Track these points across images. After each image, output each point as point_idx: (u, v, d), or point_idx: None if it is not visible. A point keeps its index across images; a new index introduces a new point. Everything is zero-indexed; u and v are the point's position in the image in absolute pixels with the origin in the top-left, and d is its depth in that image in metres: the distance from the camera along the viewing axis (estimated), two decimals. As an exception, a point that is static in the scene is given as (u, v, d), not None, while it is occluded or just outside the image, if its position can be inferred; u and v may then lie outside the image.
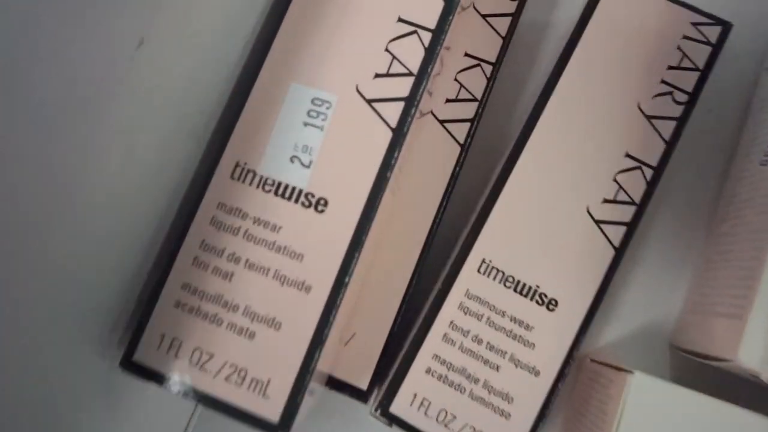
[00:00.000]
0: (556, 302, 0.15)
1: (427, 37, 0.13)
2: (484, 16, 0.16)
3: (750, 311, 0.13)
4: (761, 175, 0.15)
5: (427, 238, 0.15)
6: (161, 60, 0.11)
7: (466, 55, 0.16)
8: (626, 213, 0.15)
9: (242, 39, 0.13)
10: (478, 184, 0.17)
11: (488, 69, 0.16)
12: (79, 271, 0.11)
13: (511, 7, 0.16)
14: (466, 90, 0.16)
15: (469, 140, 0.16)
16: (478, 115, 0.16)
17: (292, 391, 0.12)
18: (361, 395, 0.15)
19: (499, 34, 0.16)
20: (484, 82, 0.16)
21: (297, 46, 0.13)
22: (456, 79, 0.16)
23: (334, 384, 0.15)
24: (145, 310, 0.12)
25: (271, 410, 0.12)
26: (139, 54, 0.11)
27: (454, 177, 0.16)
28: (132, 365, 0.12)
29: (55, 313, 0.11)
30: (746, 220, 0.15)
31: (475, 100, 0.16)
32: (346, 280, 0.12)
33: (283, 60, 0.13)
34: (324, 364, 0.13)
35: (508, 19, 0.16)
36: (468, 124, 0.16)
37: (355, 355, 0.15)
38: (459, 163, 0.16)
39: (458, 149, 0.16)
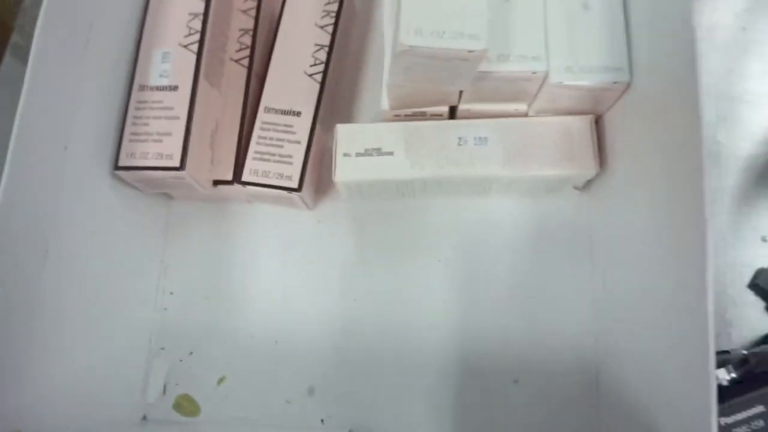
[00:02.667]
0: (299, 113, 0.33)
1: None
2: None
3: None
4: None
5: (243, 111, 0.34)
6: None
7: (241, 29, 0.35)
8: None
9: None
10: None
11: (250, 36, 0.35)
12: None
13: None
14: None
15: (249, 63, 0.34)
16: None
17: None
18: (228, 182, 0.32)
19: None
20: (250, 40, 0.35)
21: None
22: (239, 40, 0.35)
23: (216, 182, 0.32)
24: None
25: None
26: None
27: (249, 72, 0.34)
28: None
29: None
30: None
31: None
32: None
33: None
34: (203, 176, 0.31)
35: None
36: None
37: (222, 166, 0.33)
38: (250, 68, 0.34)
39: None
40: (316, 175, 0.34)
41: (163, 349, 0.33)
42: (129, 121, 0.30)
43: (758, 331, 0.32)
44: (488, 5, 0.25)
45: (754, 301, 0.33)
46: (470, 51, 0.25)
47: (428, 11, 0.25)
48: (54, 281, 0.26)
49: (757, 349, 0.28)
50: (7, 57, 0.42)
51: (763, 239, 0.34)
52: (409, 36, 0.24)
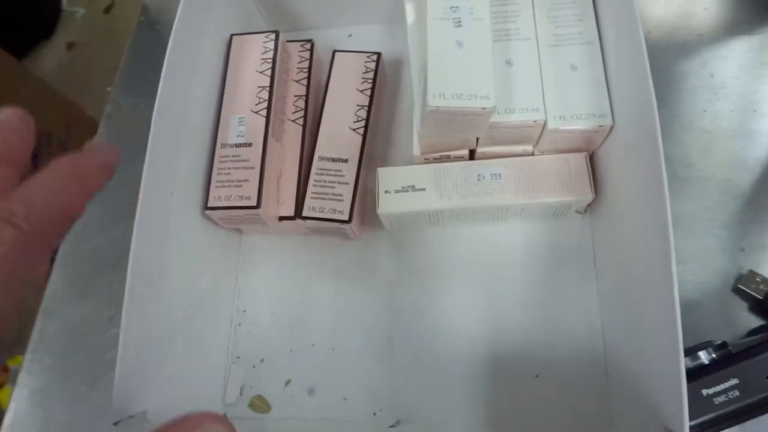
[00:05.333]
0: (346, 160, 0.41)
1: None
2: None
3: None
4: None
5: (300, 160, 0.41)
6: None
7: (296, 95, 0.43)
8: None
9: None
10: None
11: (304, 101, 0.43)
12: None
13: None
14: (299, 107, 0.43)
15: (304, 122, 0.42)
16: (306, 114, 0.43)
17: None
18: (290, 217, 0.40)
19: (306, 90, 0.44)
20: (303, 103, 0.43)
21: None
22: (294, 104, 0.43)
23: (281, 218, 0.40)
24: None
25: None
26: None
27: (304, 129, 0.42)
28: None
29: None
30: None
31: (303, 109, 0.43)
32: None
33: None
34: (271, 213, 0.39)
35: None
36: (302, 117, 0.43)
37: (285, 205, 0.40)
38: (304, 126, 0.42)
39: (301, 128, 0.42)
40: (361, 209, 0.42)
41: (238, 357, 0.40)
42: (215, 171, 0.38)
43: (744, 327, 0.38)
44: (494, 70, 0.33)
45: (740, 301, 0.38)
46: (483, 108, 0.32)
47: (448, 79, 0.33)
48: (164, 299, 0.34)
49: (739, 341, 0.34)
50: (102, 127, 0.51)
51: (742, 249, 0.39)
52: (435, 99, 0.32)
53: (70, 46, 1.47)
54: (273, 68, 0.40)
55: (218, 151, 0.39)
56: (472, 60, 0.33)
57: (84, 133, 1.33)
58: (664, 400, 0.28)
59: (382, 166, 0.40)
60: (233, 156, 0.38)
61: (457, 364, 0.38)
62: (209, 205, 0.37)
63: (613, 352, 0.36)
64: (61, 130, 1.24)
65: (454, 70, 0.33)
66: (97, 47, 1.45)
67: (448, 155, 0.40)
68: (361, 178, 0.40)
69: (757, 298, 0.37)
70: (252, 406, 0.39)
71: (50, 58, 1.47)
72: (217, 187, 0.38)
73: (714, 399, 0.29)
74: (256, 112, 0.39)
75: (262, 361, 0.40)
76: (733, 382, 0.29)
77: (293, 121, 0.42)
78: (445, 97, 0.32)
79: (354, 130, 0.41)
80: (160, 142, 0.33)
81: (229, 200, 0.37)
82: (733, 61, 0.45)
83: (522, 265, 0.40)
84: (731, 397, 0.29)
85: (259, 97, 0.39)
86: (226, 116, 0.39)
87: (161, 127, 0.33)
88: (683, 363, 0.25)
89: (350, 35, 0.49)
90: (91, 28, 1.48)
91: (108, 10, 1.49)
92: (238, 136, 0.39)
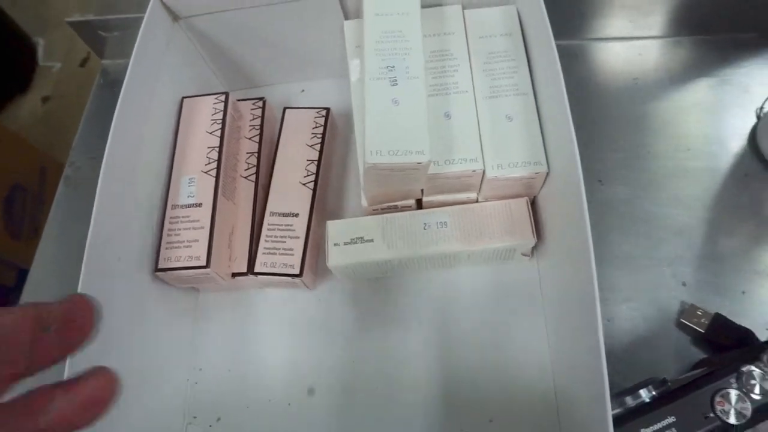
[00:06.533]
0: (297, 214, 0.41)
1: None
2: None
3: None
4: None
5: (252, 216, 0.42)
6: None
7: (248, 152, 0.44)
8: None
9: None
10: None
11: (256, 158, 0.44)
12: None
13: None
14: (251, 164, 0.44)
15: (256, 178, 0.43)
16: (258, 171, 0.44)
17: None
18: (243, 273, 0.40)
19: (259, 149, 0.45)
20: (255, 160, 0.44)
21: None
22: (246, 161, 0.44)
23: (234, 274, 0.40)
24: (158, 256, 0.38)
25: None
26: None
27: (256, 186, 0.43)
28: (159, 275, 0.37)
29: None
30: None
31: (255, 166, 0.44)
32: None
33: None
34: (223, 271, 0.39)
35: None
36: (255, 175, 0.44)
37: (238, 261, 0.41)
38: (256, 182, 0.43)
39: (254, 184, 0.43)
40: (314, 261, 0.42)
41: (195, 417, 0.40)
42: (165, 232, 0.39)
43: (689, 361, 0.38)
44: (433, 122, 0.34)
45: (683, 335, 0.39)
46: (418, 163, 0.33)
47: (385, 136, 0.34)
48: (113, 361, 0.33)
49: (680, 377, 0.35)
50: (60, 187, 0.51)
51: (683, 284, 0.41)
52: (372, 156, 0.33)
53: (45, 99, 1.49)
54: (223, 128, 0.41)
55: (169, 212, 0.39)
56: (408, 117, 0.35)
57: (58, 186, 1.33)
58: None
59: (334, 217, 0.41)
60: (183, 216, 0.39)
61: (412, 411, 0.38)
62: (159, 266, 0.38)
63: (562, 393, 0.37)
64: (35, 184, 1.24)
65: (390, 128, 0.34)
66: (72, 100, 1.47)
67: (396, 205, 0.41)
68: (312, 232, 0.41)
69: (699, 331, 0.38)
70: (209, 467, 0.39)
71: (25, 112, 1.48)
72: (167, 248, 0.38)
73: (653, 439, 0.30)
74: (206, 173, 0.40)
75: (218, 420, 0.40)
76: (671, 419, 0.30)
77: (245, 177, 0.43)
78: (381, 153, 0.33)
79: (304, 184, 0.42)
80: (107, 207, 0.34)
81: (179, 261, 0.38)
82: (667, 102, 0.47)
83: (473, 310, 0.41)
84: (669, 436, 0.30)
85: (209, 158, 0.40)
86: (176, 177, 0.40)
87: (108, 192, 0.34)
88: (609, 406, 0.26)
89: (303, 90, 0.51)
90: (67, 82, 1.50)
91: (83, 63, 1.51)
92: (188, 196, 0.40)
